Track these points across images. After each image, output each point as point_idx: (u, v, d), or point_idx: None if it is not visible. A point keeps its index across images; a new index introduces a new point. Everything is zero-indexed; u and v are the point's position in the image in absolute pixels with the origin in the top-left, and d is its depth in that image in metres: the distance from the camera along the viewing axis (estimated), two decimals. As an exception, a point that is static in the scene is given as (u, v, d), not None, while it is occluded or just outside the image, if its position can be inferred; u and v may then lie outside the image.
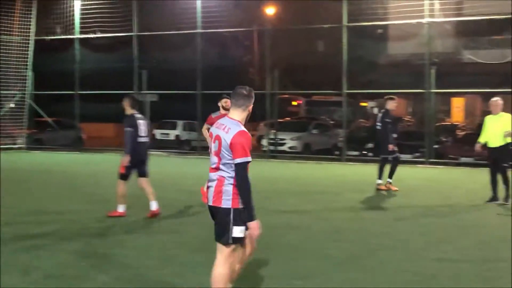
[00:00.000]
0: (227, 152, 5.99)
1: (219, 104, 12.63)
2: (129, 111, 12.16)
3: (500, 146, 13.88)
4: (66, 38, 31.19)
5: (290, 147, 29.44)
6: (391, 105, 16.37)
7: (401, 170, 16.30)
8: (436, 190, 16.76)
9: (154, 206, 12.20)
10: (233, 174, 6.01)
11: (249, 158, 5.97)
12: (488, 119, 14.22)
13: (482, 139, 14.23)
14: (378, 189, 16.17)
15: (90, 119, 33.11)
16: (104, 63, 33.00)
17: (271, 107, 27.48)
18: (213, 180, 6.12)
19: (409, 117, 40.15)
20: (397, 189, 16.14)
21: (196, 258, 8.85)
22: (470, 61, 32.69)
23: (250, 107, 6.24)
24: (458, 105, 42.28)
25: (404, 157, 25.65)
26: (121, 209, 12.12)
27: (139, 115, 12.23)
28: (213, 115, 12.46)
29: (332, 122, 35.04)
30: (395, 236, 10.65)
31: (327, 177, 20.24)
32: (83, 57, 30.94)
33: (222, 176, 6.06)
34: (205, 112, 28.54)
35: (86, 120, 32.12)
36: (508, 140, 13.91)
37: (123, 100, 12.31)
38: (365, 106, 46.33)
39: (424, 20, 24.69)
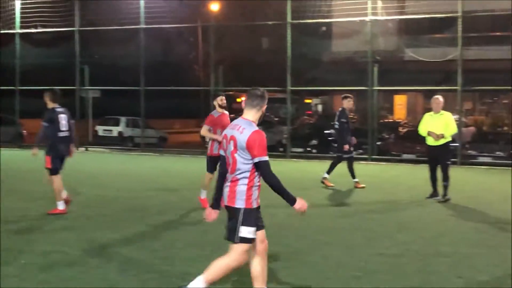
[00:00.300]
0: (243, 153, 6.14)
1: (215, 102, 12.43)
2: (50, 105, 11.96)
3: (442, 145, 14.05)
4: (7, 33, 30.52)
5: (234, 144, 29.38)
6: (347, 103, 16.39)
7: (344, 166, 16.39)
8: (378, 186, 16.92)
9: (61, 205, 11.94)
10: (247, 175, 6.19)
11: (267, 157, 6.13)
12: (429, 117, 14.32)
13: (423, 132, 14.27)
14: (322, 183, 16.24)
15: (30, 115, 32.41)
16: (45, 58, 32.45)
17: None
18: (229, 181, 6.27)
19: (352, 114, 40.47)
20: (364, 186, 16.24)
21: (137, 255, 8.76)
22: (412, 59, 33.11)
23: (264, 108, 6.50)
24: (400, 103, 42.84)
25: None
26: (61, 206, 11.89)
27: (60, 109, 12.00)
28: (215, 115, 12.25)
29: (276, 118, 35.12)
30: (338, 232, 10.72)
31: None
32: (23, 52, 30.27)
33: (237, 177, 6.21)
34: (148, 108, 28.37)
35: (26, 116, 31.49)
36: (449, 138, 14.12)
37: (44, 94, 12.11)
38: (309, 103, 46.61)
39: (367, 18, 24.90)
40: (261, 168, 6.14)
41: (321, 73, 37.09)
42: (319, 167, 16.91)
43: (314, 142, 27.69)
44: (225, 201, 6.30)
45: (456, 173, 15.07)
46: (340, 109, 16.50)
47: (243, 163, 6.16)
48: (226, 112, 12.46)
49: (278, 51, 29.95)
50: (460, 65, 23.21)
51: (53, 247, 9.18)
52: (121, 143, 31.38)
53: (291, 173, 20.38)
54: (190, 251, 9.12)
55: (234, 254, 6.26)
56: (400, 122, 35.75)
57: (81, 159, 24.33)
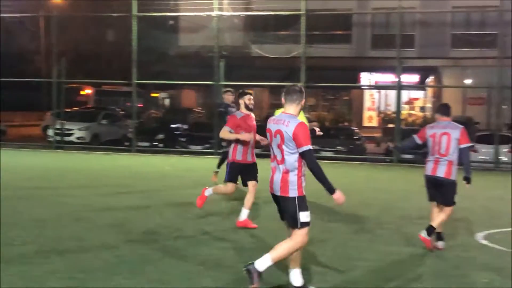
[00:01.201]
0: (290, 144, 6.70)
1: (242, 101, 10.91)
2: None
3: None
4: None
5: (78, 138, 28.74)
6: (226, 98, 16.12)
7: (191, 161, 16.38)
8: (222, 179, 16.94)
9: None
10: (296, 165, 6.74)
11: (311, 146, 6.70)
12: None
13: None
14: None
15: None
16: None
17: (58, 96, 26.54)
18: (279, 171, 6.81)
19: (200, 108, 40.64)
20: (216, 180, 15.87)
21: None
22: (258, 55, 33.69)
23: (303, 102, 6.97)
24: (246, 98, 43.44)
25: (194, 148, 25.97)
26: None
27: None
28: (238, 116, 10.77)
29: (122, 112, 34.63)
30: (185, 227, 10.66)
31: (115, 168, 19.93)
32: None
33: (287, 168, 6.76)
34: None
35: None
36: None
37: None
38: (156, 97, 46.34)
39: (213, 13, 25.00)
40: (306, 156, 6.68)
41: (168, 67, 36.94)
42: (165, 161, 16.76)
43: (161, 136, 27.53)
44: (277, 191, 6.84)
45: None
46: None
47: (290, 153, 6.71)
48: (252, 115, 11.07)
49: (123, 44, 29.52)
50: (303, 62, 23.78)
51: None
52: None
53: (136, 167, 20.14)
54: (27, 248, 8.75)
55: (298, 237, 6.79)
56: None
57: None
